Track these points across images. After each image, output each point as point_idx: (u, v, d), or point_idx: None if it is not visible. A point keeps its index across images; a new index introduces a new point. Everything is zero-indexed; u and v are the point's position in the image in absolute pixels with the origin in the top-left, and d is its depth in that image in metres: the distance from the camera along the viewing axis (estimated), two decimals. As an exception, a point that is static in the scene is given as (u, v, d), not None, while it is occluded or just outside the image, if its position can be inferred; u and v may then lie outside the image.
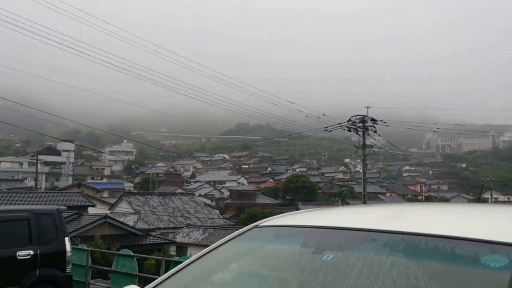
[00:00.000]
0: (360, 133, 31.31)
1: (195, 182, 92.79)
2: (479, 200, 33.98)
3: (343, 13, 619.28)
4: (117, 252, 14.24)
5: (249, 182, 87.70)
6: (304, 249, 2.04)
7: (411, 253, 1.72)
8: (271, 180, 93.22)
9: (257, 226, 2.41)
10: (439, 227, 1.82)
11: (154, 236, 30.65)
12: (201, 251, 2.36)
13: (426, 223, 1.95)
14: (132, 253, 12.86)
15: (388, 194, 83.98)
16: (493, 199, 71.35)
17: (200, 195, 64.14)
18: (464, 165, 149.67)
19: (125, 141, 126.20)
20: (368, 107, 32.90)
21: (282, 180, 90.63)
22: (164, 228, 38.55)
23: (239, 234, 2.38)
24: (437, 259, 1.65)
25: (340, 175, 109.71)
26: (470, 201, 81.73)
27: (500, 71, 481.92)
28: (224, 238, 2.40)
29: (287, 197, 76.30)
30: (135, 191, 63.14)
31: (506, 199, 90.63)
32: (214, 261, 2.30)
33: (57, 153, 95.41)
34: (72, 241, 14.74)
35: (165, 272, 2.38)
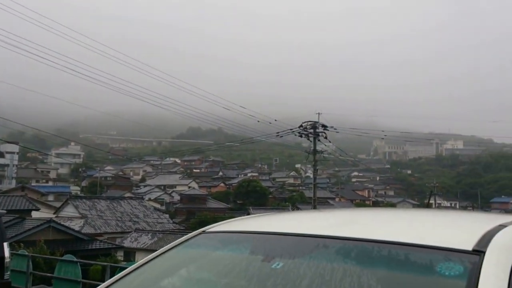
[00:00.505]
0: (311, 139, 31.75)
1: (145, 186, 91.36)
2: (428, 205, 35.01)
3: (294, 18, 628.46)
4: (60, 258, 13.82)
5: (200, 187, 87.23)
6: (252, 256, 1.94)
7: (364, 261, 1.65)
8: (222, 184, 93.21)
9: (204, 232, 2.30)
10: (393, 234, 1.76)
11: (101, 241, 30.01)
12: (143, 259, 2.22)
13: (379, 229, 1.89)
14: (75, 259, 12.55)
15: (337, 199, 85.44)
16: (436, 204, 73.88)
17: (150, 199, 63.28)
18: (409, 172, 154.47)
19: (73, 143, 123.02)
20: (319, 113, 33.55)
21: (233, 184, 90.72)
22: (112, 233, 37.82)
23: (185, 241, 2.25)
24: (391, 267, 1.59)
25: (291, 180, 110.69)
26: (415, 206, 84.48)
27: (443, 83, 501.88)
28: (169, 245, 2.26)
29: (238, 202, 76.25)
30: (82, 194, 61.55)
31: (449, 205, 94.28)
32: (156, 268, 2.16)
33: (0, 155, 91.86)
34: (13, 247, 14.17)
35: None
